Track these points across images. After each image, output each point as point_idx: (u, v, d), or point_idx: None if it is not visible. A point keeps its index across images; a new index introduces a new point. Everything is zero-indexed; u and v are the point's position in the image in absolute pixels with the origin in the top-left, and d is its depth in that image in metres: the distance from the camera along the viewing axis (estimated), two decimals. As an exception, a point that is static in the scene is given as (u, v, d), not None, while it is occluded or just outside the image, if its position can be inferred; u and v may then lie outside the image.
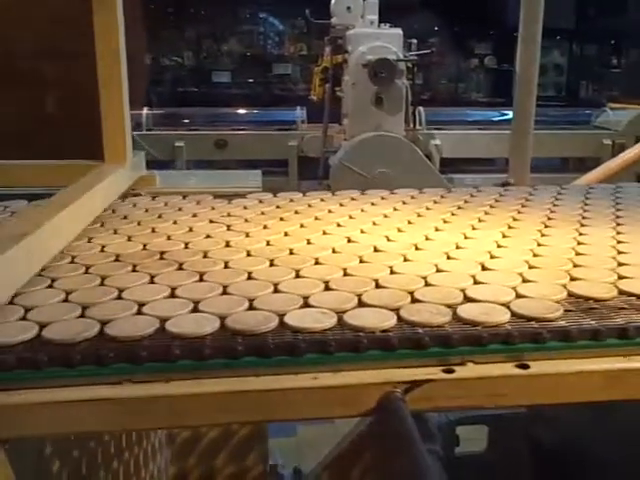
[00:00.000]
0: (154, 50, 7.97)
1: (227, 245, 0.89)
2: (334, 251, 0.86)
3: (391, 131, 3.25)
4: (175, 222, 1.01)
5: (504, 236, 0.94)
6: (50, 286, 0.73)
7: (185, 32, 8.30)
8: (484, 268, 0.79)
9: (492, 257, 0.83)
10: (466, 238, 0.93)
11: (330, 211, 1.08)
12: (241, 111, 4.59)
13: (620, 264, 0.80)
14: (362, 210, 1.09)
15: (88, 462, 0.95)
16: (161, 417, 0.54)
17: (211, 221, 1.02)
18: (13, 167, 1.17)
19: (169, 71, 8.13)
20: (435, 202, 1.16)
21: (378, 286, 0.72)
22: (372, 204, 1.14)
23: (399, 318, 0.62)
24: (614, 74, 8.12)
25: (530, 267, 0.79)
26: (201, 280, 0.74)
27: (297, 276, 0.75)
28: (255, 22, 8.43)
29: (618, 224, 1.01)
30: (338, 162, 3.23)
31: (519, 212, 1.09)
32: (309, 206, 1.12)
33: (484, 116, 4.55)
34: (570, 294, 0.69)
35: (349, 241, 0.91)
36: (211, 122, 4.19)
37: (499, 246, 0.89)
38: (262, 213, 1.07)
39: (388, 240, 0.91)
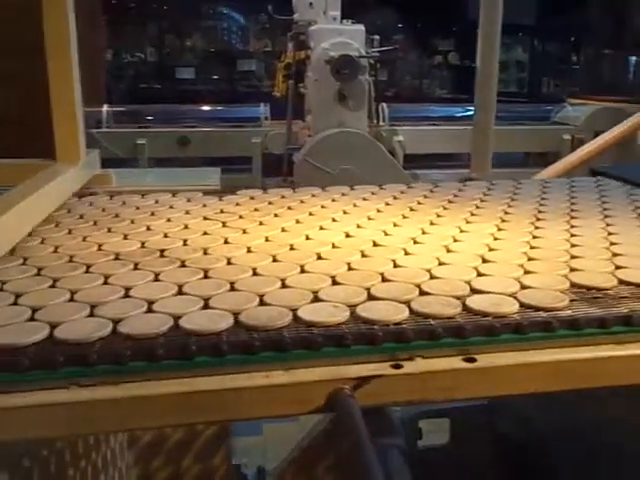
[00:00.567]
0: (115, 46, 7.86)
1: (226, 242, 0.89)
2: (334, 246, 0.88)
3: (354, 127, 3.26)
4: (169, 219, 1.01)
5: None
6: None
7: (147, 28, 8.20)
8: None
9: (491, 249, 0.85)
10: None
11: (323, 206, 1.10)
12: (204, 108, 4.56)
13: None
14: (355, 205, 1.11)
15: (57, 461, 0.94)
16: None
17: (205, 218, 1.02)
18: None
19: (131, 67, 8.03)
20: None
21: (384, 279, 0.73)
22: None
23: (411, 310, 0.64)
24: (574, 70, 8.25)
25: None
26: (206, 277, 0.75)
27: (302, 271, 0.76)
28: (219, 18, 8.37)
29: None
30: (302, 159, 3.23)
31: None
32: (301, 202, 1.13)
33: (448, 112, 4.59)
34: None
35: (347, 236, 0.93)
36: (174, 119, 4.15)
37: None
38: (255, 209, 1.08)
39: (386, 234, 0.93)
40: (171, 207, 1.10)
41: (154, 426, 0.58)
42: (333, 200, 1.15)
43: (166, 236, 0.92)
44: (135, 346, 0.56)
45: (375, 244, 0.88)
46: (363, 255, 0.83)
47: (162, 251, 0.84)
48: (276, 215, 1.04)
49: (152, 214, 1.05)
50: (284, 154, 3.49)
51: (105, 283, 0.73)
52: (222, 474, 1.45)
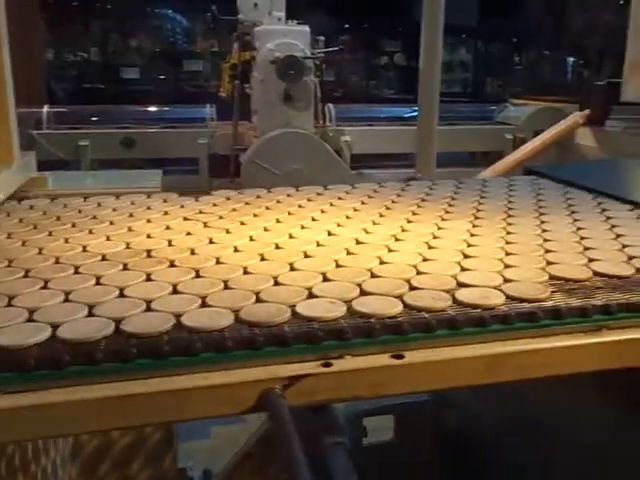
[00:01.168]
0: (57, 45, 7.68)
1: (211, 242, 0.90)
2: (319, 244, 0.89)
3: (301, 128, 3.26)
4: (149, 220, 1.01)
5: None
6: None
7: (91, 27, 8.04)
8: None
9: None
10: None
11: (300, 206, 1.12)
12: (150, 108, 4.49)
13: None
14: (331, 204, 1.14)
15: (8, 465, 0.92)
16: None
17: (185, 219, 1.03)
18: None
19: (74, 67, 7.85)
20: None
21: (373, 275, 0.75)
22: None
23: (404, 304, 0.66)
24: (516, 71, 8.46)
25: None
26: (198, 276, 0.75)
27: (292, 269, 0.78)
28: (164, 17, 8.27)
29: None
30: (248, 160, 3.22)
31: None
32: (278, 202, 1.15)
33: (395, 112, 4.64)
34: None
35: (329, 234, 0.94)
36: (118, 120, 4.07)
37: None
38: (233, 210, 1.09)
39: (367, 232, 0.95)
40: (149, 208, 1.10)
41: (77, 432, 0.57)
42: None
43: (149, 237, 0.93)
44: (141, 344, 0.57)
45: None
46: (349, 252, 0.85)
47: (149, 251, 0.85)
48: (255, 215, 1.06)
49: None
50: (231, 155, 3.47)
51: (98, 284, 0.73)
52: (171, 477, 1.45)
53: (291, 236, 0.94)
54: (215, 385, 0.53)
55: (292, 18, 3.46)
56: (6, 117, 1.06)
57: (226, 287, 0.71)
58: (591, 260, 0.81)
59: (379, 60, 8.77)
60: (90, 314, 0.63)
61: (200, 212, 1.08)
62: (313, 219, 1.03)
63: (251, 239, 0.92)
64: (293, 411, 0.51)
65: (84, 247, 0.87)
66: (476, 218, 1.05)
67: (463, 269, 0.78)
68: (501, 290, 0.70)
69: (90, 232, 0.94)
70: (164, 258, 0.81)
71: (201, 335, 0.58)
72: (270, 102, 3.27)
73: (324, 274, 0.75)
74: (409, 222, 1.02)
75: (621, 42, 3.06)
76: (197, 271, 0.76)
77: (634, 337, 0.64)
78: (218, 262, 0.81)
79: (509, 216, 1.06)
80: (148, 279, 0.74)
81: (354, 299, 0.67)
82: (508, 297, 0.68)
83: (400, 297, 0.68)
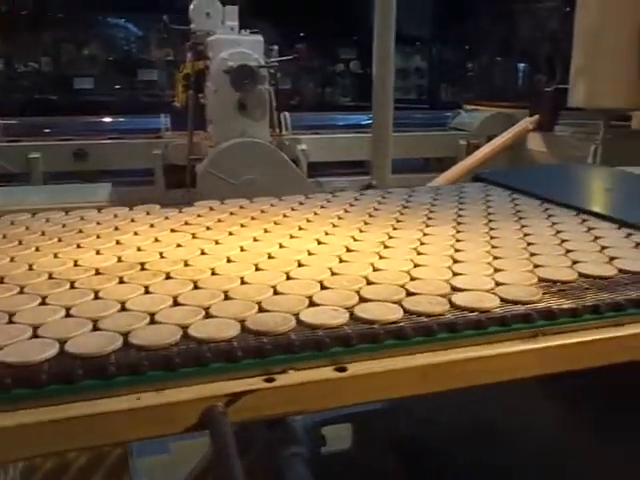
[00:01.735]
0: (7, 55, 7.52)
1: (203, 253, 0.90)
2: (310, 253, 0.90)
3: (256, 137, 3.26)
4: (135, 233, 1.00)
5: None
6: None
7: (42, 36, 7.89)
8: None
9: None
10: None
11: (285, 215, 1.12)
12: (103, 119, 4.42)
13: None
14: (315, 213, 1.15)
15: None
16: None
17: (173, 230, 1.03)
18: None
19: (25, 78, 7.69)
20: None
21: (369, 282, 0.77)
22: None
23: (404, 310, 0.68)
24: (469, 77, 8.59)
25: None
26: (197, 288, 0.75)
27: (288, 278, 0.79)
28: (117, 26, 8.16)
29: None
30: (204, 170, 3.20)
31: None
32: (262, 212, 1.16)
33: (352, 120, 4.67)
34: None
35: (319, 242, 0.95)
36: (71, 132, 4.00)
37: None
38: (219, 220, 1.09)
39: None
40: (132, 220, 1.09)
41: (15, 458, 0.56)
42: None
43: (139, 249, 0.92)
44: (150, 357, 0.57)
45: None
46: (341, 260, 0.86)
47: (142, 264, 0.84)
48: (243, 225, 1.06)
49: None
50: (187, 165, 3.44)
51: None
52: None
53: (281, 245, 0.95)
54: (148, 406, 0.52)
55: (245, 27, 3.46)
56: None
57: (227, 297, 0.72)
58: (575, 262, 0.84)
59: (335, 68, 8.81)
60: (95, 328, 0.63)
61: (186, 223, 1.08)
62: (300, 228, 1.04)
63: (242, 249, 0.92)
64: (251, 424, 0.51)
65: (75, 261, 0.86)
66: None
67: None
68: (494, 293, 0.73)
69: (78, 246, 0.94)
70: (159, 270, 0.81)
71: (210, 345, 0.59)
72: (225, 112, 3.26)
73: (321, 282, 0.77)
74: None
75: (568, 49, 3.14)
76: (195, 282, 0.77)
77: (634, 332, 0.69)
78: (214, 273, 0.81)
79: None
80: (147, 292, 0.74)
81: (355, 306, 0.69)
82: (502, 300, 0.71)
83: (399, 302, 0.70)
